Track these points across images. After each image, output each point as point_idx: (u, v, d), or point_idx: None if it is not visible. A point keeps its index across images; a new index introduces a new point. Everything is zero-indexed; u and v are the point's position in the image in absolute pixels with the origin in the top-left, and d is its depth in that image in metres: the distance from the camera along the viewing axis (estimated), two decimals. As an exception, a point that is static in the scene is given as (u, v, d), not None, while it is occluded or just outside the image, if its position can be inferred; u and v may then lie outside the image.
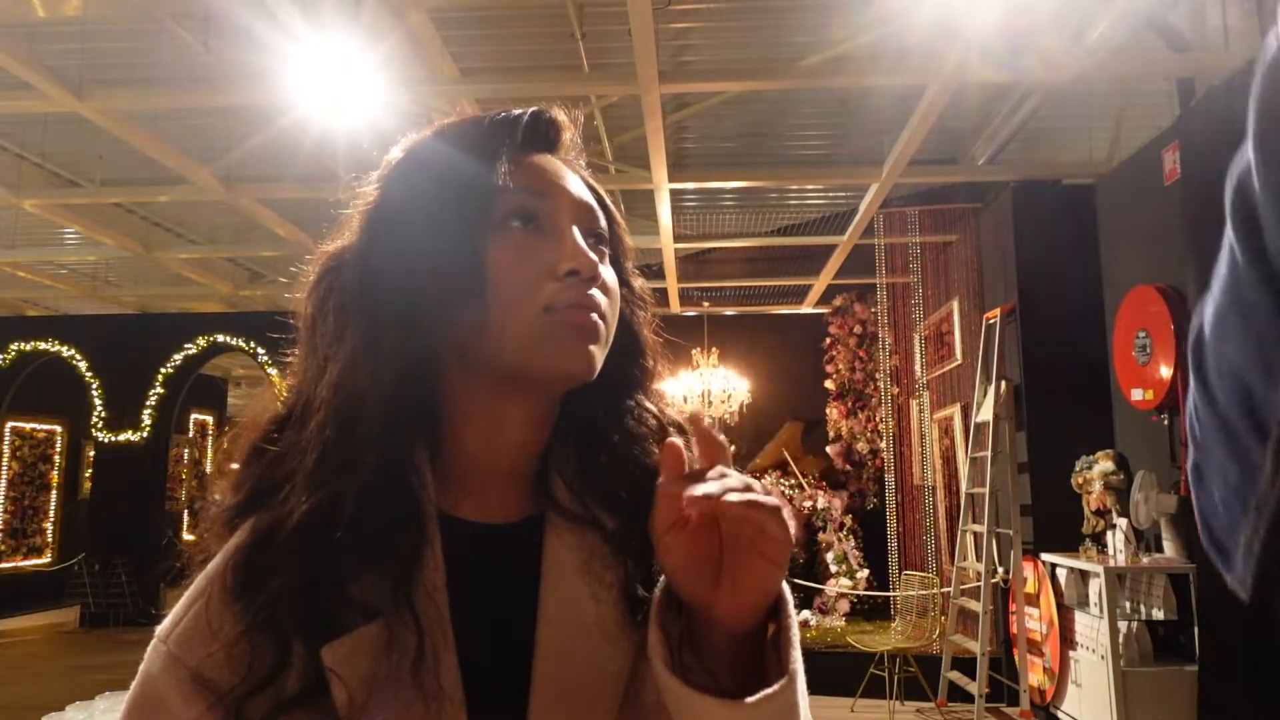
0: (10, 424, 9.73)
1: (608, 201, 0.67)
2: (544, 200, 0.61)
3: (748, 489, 0.51)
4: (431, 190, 0.61)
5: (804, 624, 6.49)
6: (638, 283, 0.70)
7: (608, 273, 0.63)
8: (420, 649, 0.54)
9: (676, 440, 0.53)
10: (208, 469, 11.94)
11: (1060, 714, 4.52)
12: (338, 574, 0.55)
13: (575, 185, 0.64)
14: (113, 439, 8.73)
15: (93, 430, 8.86)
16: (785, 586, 0.56)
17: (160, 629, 0.58)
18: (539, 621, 0.59)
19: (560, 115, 0.66)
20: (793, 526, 0.51)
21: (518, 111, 0.64)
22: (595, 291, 0.61)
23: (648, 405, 0.67)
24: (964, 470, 5.65)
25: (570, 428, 0.65)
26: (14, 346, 8.83)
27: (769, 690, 0.51)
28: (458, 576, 0.58)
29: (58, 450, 10.46)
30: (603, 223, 0.65)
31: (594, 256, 0.61)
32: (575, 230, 0.62)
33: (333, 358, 0.60)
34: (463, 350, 0.60)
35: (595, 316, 0.60)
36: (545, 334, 0.59)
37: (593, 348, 0.60)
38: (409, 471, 0.59)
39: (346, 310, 0.61)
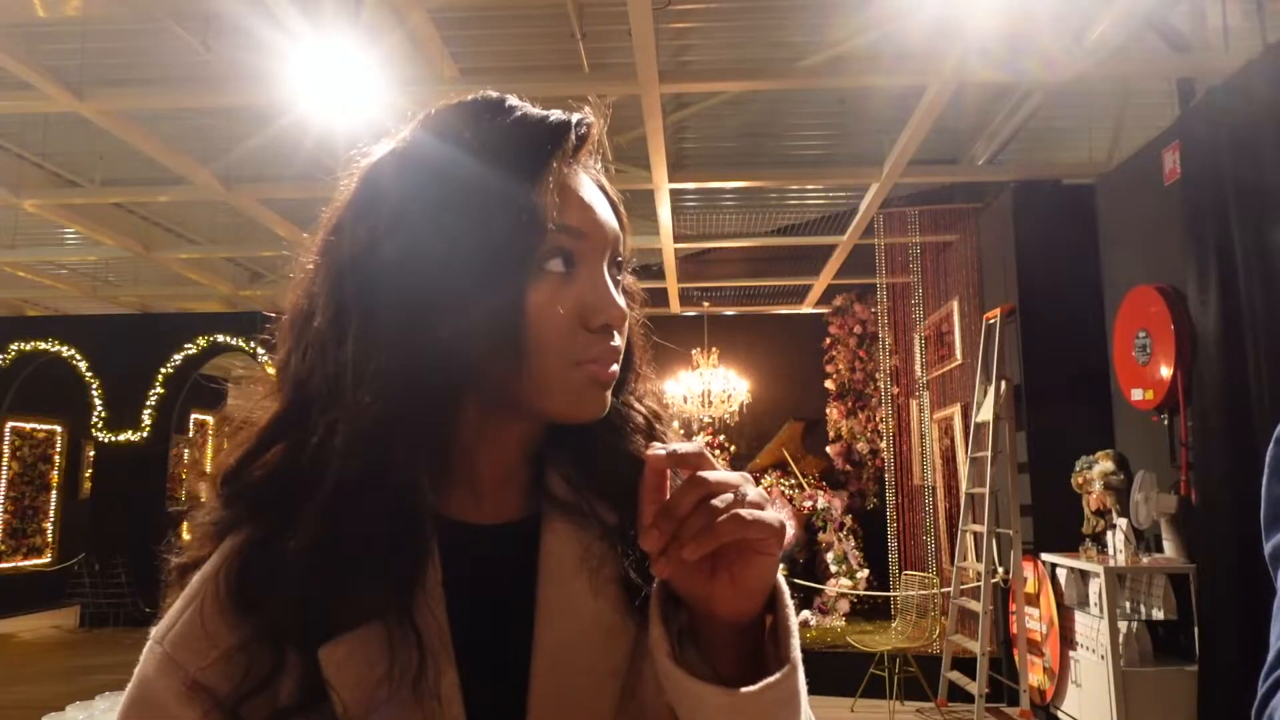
0: (10, 424, 9.73)
1: (619, 206, 0.66)
2: (584, 241, 0.59)
3: (732, 495, 0.51)
4: (473, 214, 0.56)
5: (804, 624, 6.49)
6: (628, 280, 0.68)
7: (623, 302, 0.63)
8: (418, 651, 0.54)
9: (659, 452, 0.53)
10: (207, 469, 11.93)
11: (1060, 714, 4.52)
12: (337, 581, 0.54)
13: (604, 212, 0.62)
14: (113, 439, 8.74)
15: (93, 430, 8.86)
16: (781, 578, 0.56)
17: (156, 630, 0.57)
18: (537, 620, 0.59)
19: (592, 118, 0.63)
20: (790, 525, 0.51)
21: (561, 120, 0.60)
22: (618, 338, 0.61)
23: (634, 403, 0.68)
24: (964, 470, 5.64)
25: (564, 430, 0.65)
26: (14, 346, 8.84)
27: (770, 679, 0.51)
28: (455, 578, 0.58)
29: (58, 450, 10.46)
30: (622, 246, 0.64)
31: (623, 305, 0.60)
32: (606, 272, 0.60)
33: (346, 375, 0.57)
34: (484, 381, 0.59)
35: (616, 367, 0.61)
36: (570, 385, 0.59)
37: (608, 395, 0.61)
38: (411, 480, 0.58)
39: (368, 330, 0.57)
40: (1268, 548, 0.54)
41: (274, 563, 0.55)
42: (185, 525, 0.63)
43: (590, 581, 0.60)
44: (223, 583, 0.56)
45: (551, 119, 0.60)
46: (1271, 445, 0.55)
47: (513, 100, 0.61)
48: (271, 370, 0.65)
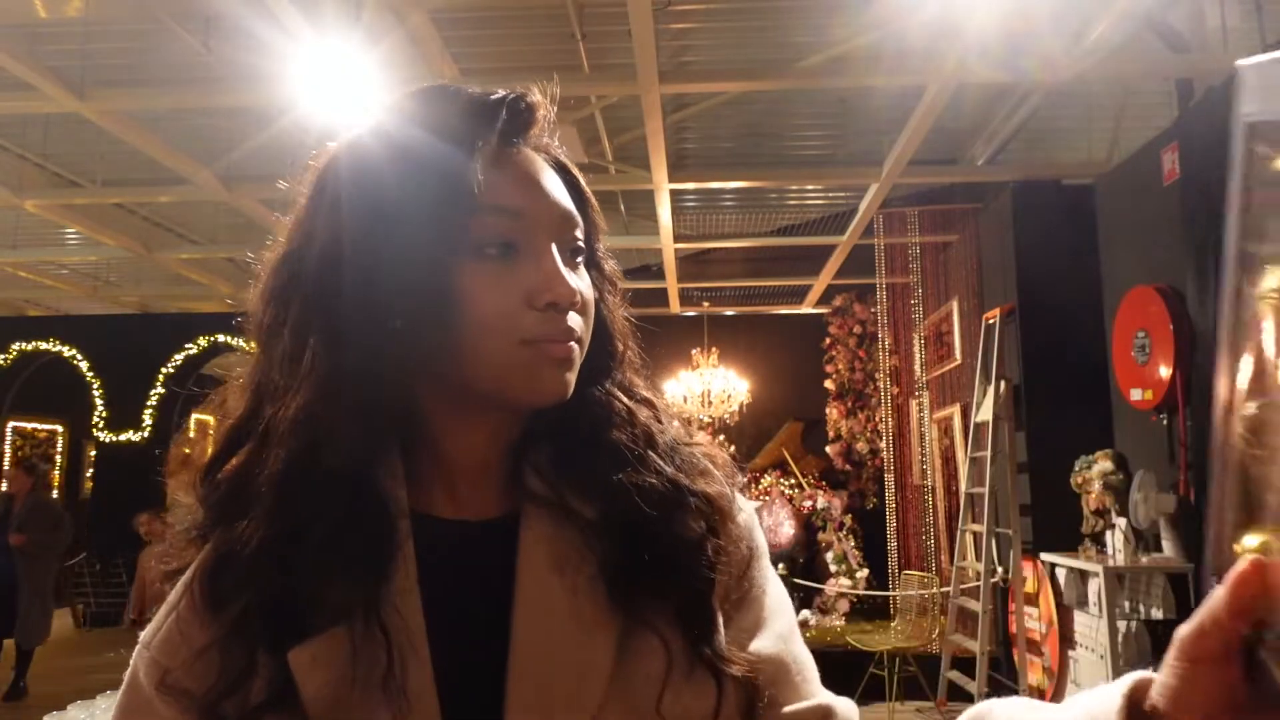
0: (11, 424, 9.74)
1: (581, 184, 0.65)
2: (523, 220, 0.58)
3: None
4: (403, 199, 0.56)
5: (804, 624, 6.50)
6: (609, 265, 0.67)
7: (583, 284, 0.61)
8: (386, 650, 0.54)
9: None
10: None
11: (1060, 713, 4.53)
12: (306, 582, 0.54)
13: (553, 188, 0.61)
14: (113, 439, 8.74)
15: (93, 430, 8.87)
16: None
17: (144, 634, 0.59)
18: (514, 618, 0.58)
19: (536, 96, 0.62)
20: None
21: (495, 97, 0.60)
22: (572, 315, 0.59)
23: (614, 391, 0.66)
24: (964, 470, 5.65)
25: (542, 421, 0.64)
26: (15, 346, 8.84)
27: None
28: (431, 575, 0.58)
29: (59, 450, 10.48)
30: (580, 228, 0.62)
31: (573, 283, 0.59)
32: (554, 250, 0.59)
33: (291, 371, 0.57)
34: (432, 369, 0.58)
35: (571, 344, 0.59)
36: (520, 365, 0.57)
37: (568, 375, 0.59)
38: (378, 475, 0.58)
39: (307, 321, 0.58)
40: None
41: (242, 564, 0.55)
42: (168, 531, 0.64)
43: (570, 579, 0.59)
44: (196, 586, 0.57)
45: (482, 96, 0.59)
46: None
47: (456, 87, 0.61)
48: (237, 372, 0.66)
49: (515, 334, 0.57)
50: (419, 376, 0.59)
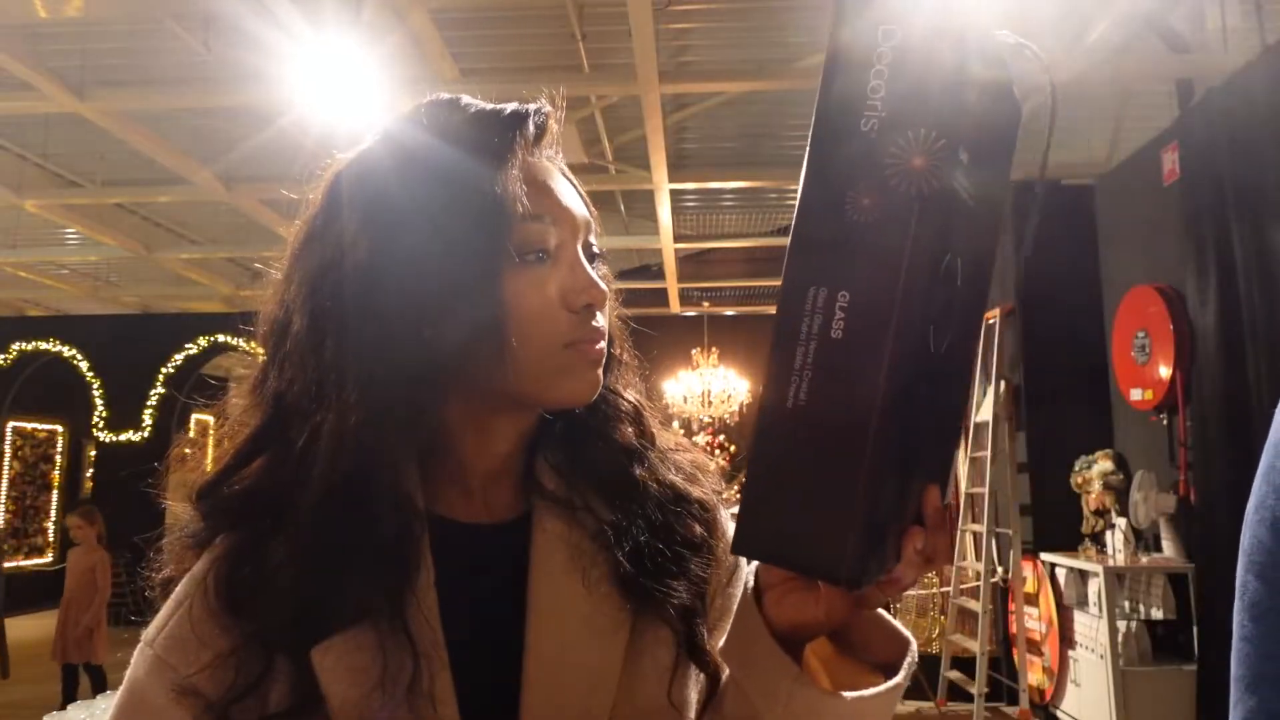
0: (11, 424, 9.73)
1: (580, 190, 0.66)
2: (557, 228, 0.60)
3: None
4: (445, 210, 0.56)
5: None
6: (604, 269, 0.68)
7: (602, 283, 0.63)
8: (412, 655, 0.54)
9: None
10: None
11: (1059, 713, 4.53)
12: (327, 584, 0.54)
13: (572, 199, 0.63)
14: (114, 439, 8.74)
15: (94, 430, 8.87)
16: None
17: (146, 633, 0.58)
18: (529, 619, 0.58)
19: (548, 107, 0.64)
20: None
21: (518, 110, 0.61)
22: (600, 318, 0.61)
23: (620, 390, 0.68)
24: (963, 470, 5.65)
25: (553, 423, 0.65)
26: (15, 346, 8.84)
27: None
28: (448, 577, 0.58)
29: (59, 450, 10.47)
30: (593, 230, 0.64)
31: (603, 285, 0.61)
32: (581, 254, 0.61)
33: (339, 384, 0.57)
34: (468, 375, 0.59)
35: (602, 344, 0.61)
36: (563, 367, 0.59)
37: (600, 373, 0.61)
38: (400, 482, 0.58)
39: (351, 336, 0.57)
40: (1242, 600, 0.49)
41: (263, 566, 0.55)
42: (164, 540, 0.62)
43: (583, 580, 0.60)
44: (211, 585, 0.56)
45: (508, 110, 0.61)
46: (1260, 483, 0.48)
47: (467, 98, 0.62)
48: (246, 381, 0.64)
49: (559, 337, 0.58)
50: (449, 380, 0.60)
